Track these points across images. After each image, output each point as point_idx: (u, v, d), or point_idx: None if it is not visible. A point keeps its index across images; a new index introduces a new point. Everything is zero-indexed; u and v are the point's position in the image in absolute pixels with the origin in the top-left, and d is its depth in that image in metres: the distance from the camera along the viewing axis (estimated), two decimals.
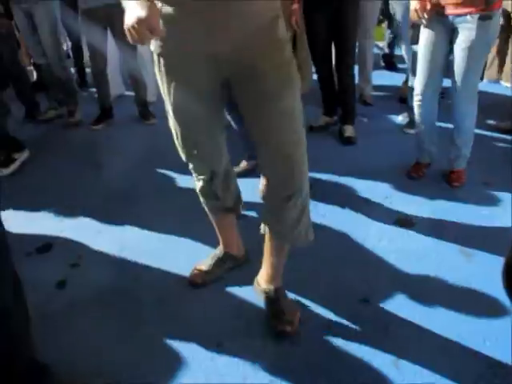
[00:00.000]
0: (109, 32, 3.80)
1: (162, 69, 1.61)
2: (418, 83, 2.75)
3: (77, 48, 5.08)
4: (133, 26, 1.30)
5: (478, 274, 2.10)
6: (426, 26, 2.62)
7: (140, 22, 1.28)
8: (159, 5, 1.45)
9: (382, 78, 4.70)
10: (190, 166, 1.85)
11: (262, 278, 1.93)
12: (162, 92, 1.68)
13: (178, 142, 1.77)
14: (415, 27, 2.86)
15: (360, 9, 3.39)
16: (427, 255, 2.25)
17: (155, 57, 1.62)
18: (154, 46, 1.58)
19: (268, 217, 1.76)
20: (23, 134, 3.71)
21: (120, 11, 4.11)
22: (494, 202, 2.66)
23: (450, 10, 2.50)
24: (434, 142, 2.90)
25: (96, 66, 3.95)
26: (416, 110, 2.84)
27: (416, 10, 2.55)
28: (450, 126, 2.80)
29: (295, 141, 1.59)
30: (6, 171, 3.28)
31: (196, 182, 1.92)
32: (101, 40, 3.82)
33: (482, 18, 2.44)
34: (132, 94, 4.19)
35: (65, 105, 4.27)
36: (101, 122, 4.07)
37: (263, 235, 1.84)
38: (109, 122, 4.10)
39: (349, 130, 3.52)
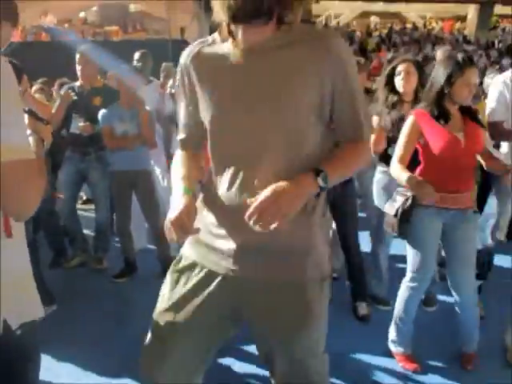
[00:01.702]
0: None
1: (176, 265, 1.63)
2: (411, 273, 2.77)
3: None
4: (167, 224, 1.44)
5: None
6: (422, 216, 2.66)
7: (172, 222, 1.41)
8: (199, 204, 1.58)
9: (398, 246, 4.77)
10: None
11: None
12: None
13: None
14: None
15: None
16: None
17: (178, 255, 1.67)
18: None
19: None
20: (47, 280, 3.85)
21: (144, 175, 4.57)
22: None
23: (446, 205, 2.65)
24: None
25: (120, 222, 4.29)
26: (404, 294, 2.83)
27: (423, 193, 2.54)
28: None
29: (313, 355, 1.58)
30: None
31: None
32: (126, 200, 4.21)
33: (475, 212, 2.75)
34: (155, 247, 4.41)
35: (92, 252, 4.51)
36: (124, 275, 4.26)
37: None
38: (132, 276, 4.28)
39: (362, 308, 3.48)
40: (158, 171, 4.53)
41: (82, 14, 13.82)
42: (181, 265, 1.63)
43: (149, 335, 1.63)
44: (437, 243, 2.77)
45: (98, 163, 4.32)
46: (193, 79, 1.55)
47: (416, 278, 2.77)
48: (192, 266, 1.60)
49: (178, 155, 1.70)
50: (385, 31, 23.82)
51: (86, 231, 4.73)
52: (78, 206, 5.02)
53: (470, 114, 2.72)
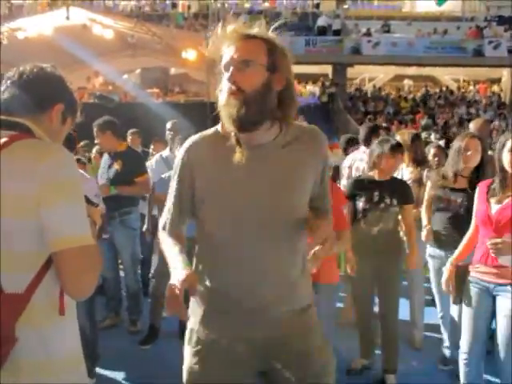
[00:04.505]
0: None
1: (193, 345, 1.72)
2: (464, 343, 2.87)
3: (145, 261, 5.55)
4: (171, 288, 1.54)
5: None
6: (468, 289, 2.84)
7: (179, 283, 1.52)
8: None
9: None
10: None
11: None
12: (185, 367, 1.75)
13: None
14: None
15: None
16: None
17: (187, 332, 1.76)
18: (190, 322, 1.76)
19: None
20: None
21: (191, 243, 4.54)
22: None
23: (489, 278, 2.72)
24: None
25: (157, 287, 4.25)
26: (462, 369, 2.89)
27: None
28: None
29: None
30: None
31: None
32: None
33: None
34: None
35: (114, 313, 4.58)
36: (148, 342, 4.18)
37: None
38: (155, 342, 4.21)
39: (391, 380, 3.44)
40: None
41: (125, 77, 14.52)
42: (195, 339, 1.72)
43: None
44: (479, 317, 2.80)
45: (122, 227, 4.42)
46: (194, 171, 1.68)
47: (463, 347, 2.86)
48: (210, 340, 1.69)
49: (165, 235, 1.79)
50: (418, 94, 24.13)
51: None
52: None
53: None
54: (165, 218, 1.80)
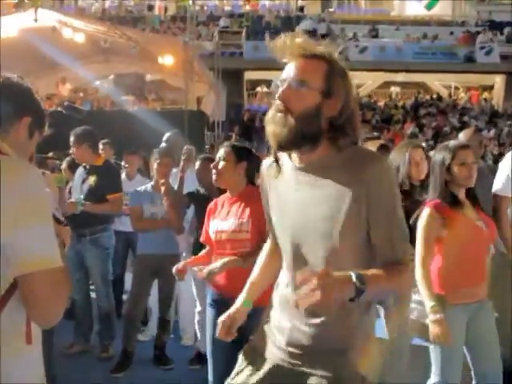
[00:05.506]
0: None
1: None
2: (449, 372, 2.74)
3: (118, 280, 5.49)
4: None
5: None
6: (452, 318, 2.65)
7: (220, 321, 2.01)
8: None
9: None
10: None
11: None
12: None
13: None
14: None
15: None
16: None
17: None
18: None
19: None
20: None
21: (169, 259, 4.62)
22: None
23: (471, 299, 2.73)
24: None
25: (131, 309, 4.28)
26: None
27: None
28: None
29: None
30: None
31: None
32: (145, 287, 4.26)
33: None
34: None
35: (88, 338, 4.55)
36: (120, 369, 4.12)
37: None
38: (129, 369, 4.18)
39: None
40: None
41: (97, 83, 14.45)
42: (252, 347, 1.90)
43: None
44: (463, 342, 2.78)
45: (92, 246, 4.37)
46: (266, 189, 1.89)
47: (442, 382, 2.76)
48: (259, 353, 1.85)
49: (264, 251, 2.07)
50: (409, 101, 24.38)
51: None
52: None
53: (478, 203, 2.82)
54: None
